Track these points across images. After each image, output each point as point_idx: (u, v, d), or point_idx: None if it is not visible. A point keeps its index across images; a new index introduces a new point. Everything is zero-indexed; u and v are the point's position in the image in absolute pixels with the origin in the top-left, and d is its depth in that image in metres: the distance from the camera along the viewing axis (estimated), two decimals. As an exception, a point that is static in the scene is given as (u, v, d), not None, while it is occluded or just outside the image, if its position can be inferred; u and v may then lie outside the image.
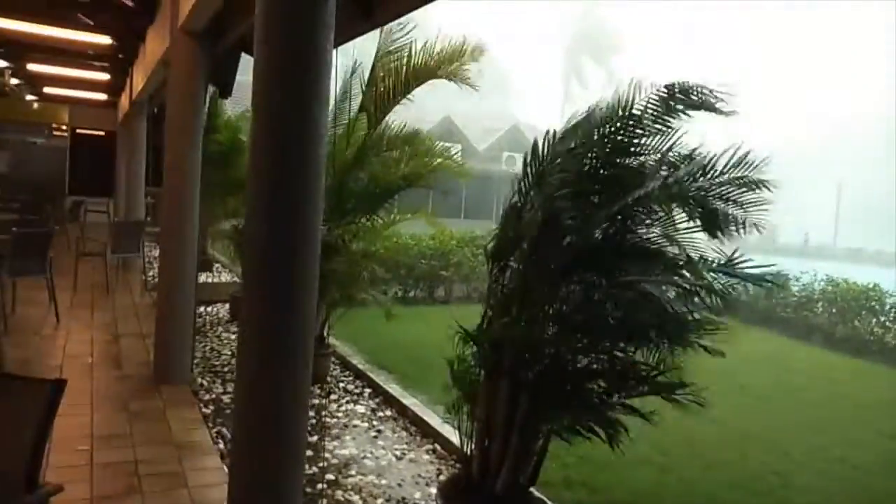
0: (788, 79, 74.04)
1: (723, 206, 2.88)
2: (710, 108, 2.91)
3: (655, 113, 2.94)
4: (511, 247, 3.15)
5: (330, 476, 3.92)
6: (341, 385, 5.67)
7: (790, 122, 70.09)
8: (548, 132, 3.29)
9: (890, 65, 65.97)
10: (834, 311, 9.79)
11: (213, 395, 5.06)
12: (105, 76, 11.89)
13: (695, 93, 2.90)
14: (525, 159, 3.29)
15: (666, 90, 2.91)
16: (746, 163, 2.82)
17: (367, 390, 5.59)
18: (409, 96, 5.68)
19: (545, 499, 3.24)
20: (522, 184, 3.25)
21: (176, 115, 5.15)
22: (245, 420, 2.41)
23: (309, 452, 4.22)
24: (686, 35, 78.53)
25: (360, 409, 5.14)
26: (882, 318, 9.32)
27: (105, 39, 8.62)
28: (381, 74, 5.57)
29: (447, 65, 5.47)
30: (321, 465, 4.08)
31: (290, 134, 2.32)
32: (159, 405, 4.60)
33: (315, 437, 4.49)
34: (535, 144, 3.25)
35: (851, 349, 9.02)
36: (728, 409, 6.16)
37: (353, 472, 4.00)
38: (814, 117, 69.97)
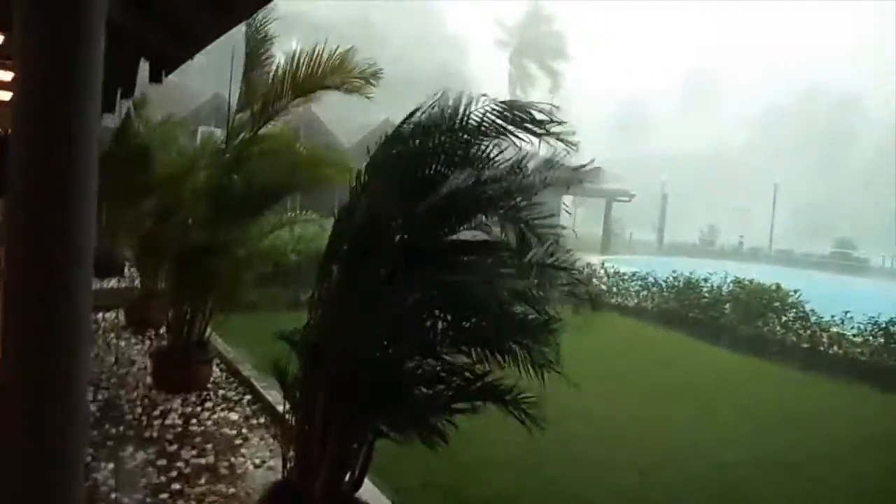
0: (733, 78, 75.98)
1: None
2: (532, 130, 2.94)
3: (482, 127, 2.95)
4: (338, 249, 3.13)
5: (176, 486, 3.84)
6: (221, 392, 5.56)
7: (733, 124, 72.07)
8: (385, 134, 3.28)
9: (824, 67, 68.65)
10: (740, 311, 10.08)
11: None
12: (10, 75, 11.49)
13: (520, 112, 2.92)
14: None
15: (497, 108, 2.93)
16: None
17: (248, 397, 5.49)
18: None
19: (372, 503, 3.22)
20: (357, 185, 3.24)
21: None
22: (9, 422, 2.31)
23: (162, 462, 4.14)
24: (632, 36, 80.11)
25: (234, 416, 5.05)
26: (783, 318, 9.63)
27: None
28: (265, 77, 5.53)
29: (336, 75, 5.41)
30: (172, 474, 3.99)
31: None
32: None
33: (175, 447, 4.39)
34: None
35: (754, 349, 9.27)
36: (614, 409, 6.28)
37: (202, 482, 3.92)
38: (757, 118, 72.19)
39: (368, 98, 5.66)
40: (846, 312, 9.19)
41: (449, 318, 3.07)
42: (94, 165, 2.33)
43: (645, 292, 12.23)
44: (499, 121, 2.89)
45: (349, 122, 24.22)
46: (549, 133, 2.89)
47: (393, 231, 3.02)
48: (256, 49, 5.43)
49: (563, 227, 2.92)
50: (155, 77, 6.16)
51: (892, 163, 60.15)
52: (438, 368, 3.08)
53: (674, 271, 11.72)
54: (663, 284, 11.85)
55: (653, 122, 77.53)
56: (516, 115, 2.87)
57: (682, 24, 79.39)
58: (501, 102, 2.93)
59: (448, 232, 3.05)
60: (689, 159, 65.66)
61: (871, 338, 8.73)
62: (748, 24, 78.70)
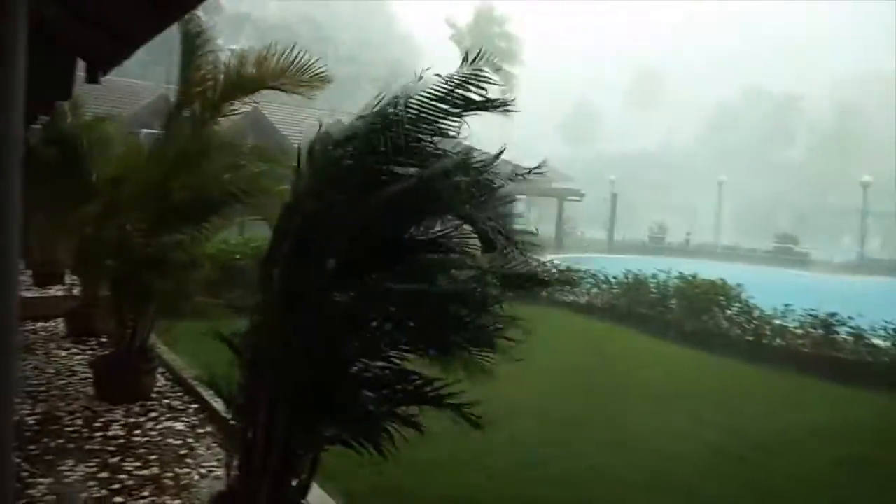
0: (682, 78, 78.10)
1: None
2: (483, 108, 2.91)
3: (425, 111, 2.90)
4: (279, 250, 3.07)
5: (119, 499, 3.72)
6: (166, 401, 5.41)
7: (681, 123, 74.01)
8: (323, 130, 3.23)
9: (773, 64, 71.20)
10: (686, 306, 10.32)
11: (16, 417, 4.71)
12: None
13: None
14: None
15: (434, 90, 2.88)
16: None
17: (194, 406, 5.36)
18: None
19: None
20: (297, 185, 3.18)
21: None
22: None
23: (104, 474, 4.01)
24: (584, 37, 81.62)
25: (179, 426, 4.92)
26: (728, 312, 9.90)
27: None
28: (205, 76, 5.42)
29: (282, 77, 5.38)
30: (114, 487, 3.87)
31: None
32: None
33: (117, 459, 4.26)
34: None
35: (700, 343, 9.50)
36: (564, 406, 6.35)
37: (146, 494, 3.81)
38: (704, 117, 74.32)
39: (311, 98, 5.65)
40: (787, 305, 9.49)
41: (395, 320, 3.07)
42: (16, 167, 2.22)
43: (595, 289, 12.41)
44: (438, 103, 2.84)
45: (300, 123, 23.98)
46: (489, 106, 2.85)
47: (337, 231, 2.98)
48: (192, 48, 5.31)
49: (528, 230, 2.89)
50: (91, 77, 5.98)
51: (829, 161, 62.68)
52: (387, 371, 3.06)
53: (627, 270, 11.92)
54: (613, 281, 12.05)
55: (604, 122, 79.10)
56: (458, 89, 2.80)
57: (632, 24, 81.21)
58: (441, 78, 2.81)
59: (394, 232, 3.03)
60: (639, 158, 67.18)
61: (811, 330, 9.02)
62: (694, 25, 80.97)
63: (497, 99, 2.89)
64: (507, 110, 2.91)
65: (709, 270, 12.54)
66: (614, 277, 12.06)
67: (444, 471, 4.60)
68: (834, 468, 5.25)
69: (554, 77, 75.75)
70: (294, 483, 3.00)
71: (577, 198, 32.62)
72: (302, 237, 2.95)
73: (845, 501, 4.73)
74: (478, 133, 3.20)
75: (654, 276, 11.30)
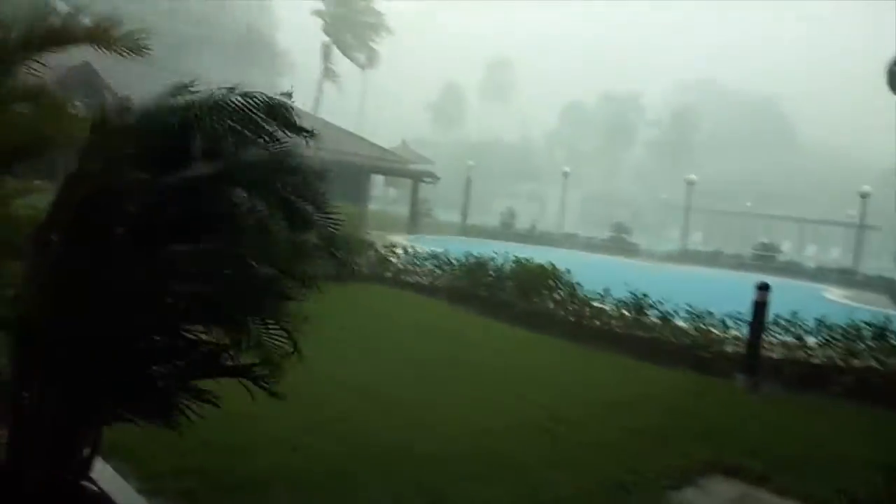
0: (542, 73, 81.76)
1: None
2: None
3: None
4: (61, 218, 2.88)
5: None
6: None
7: (537, 117, 77.60)
8: (123, 100, 3.10)
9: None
10: (519, 288, 10.87)
11: None
12: None
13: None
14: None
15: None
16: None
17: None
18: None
19: (106, 490, 3.04)
20: (90, 150, 3.01)
21: None
22: None
23: None
24: (449, 26, 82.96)
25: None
26: (555, 295, 10.56)
27: None
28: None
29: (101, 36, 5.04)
30: None
31: None
32: None
33: None
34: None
35: (529, 323, 10.02)
36: (388, 383, 6.49)
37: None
38: (559, 113, 78.42)
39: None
40: (606, 289, 10.28)
41: (188, 294, 3.00)
42: None
43: (439, 271, 12.73)
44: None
45: (140, 86, 22.39)
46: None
47: (126, 203, 2.85)
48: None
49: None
50: None
51: (662, 160, 68.53)
52: (181, 345, 2.98)
53: (471, 252, 12.32)
54: (455, 264, 12.42)
55: (468, 110, 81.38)
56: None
57: (499, 19, 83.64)
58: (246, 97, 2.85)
59: (191, 208, 2.95)
60: (497, 146, 69.76)
61: (625, 311, 9.82)
62: (556, 23, 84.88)
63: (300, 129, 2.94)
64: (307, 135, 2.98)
65: (548, 255, 13.28)
66: (456, 260, 12.43)
67: (256, 451, 4.54)
68: (626, 437, 5.77)
69: (420, 57, 76.49)
70: (74, 460, 2.85)
71: (432, 180, 33.14)
72: (87, 206, 2.79)
73: (632, 465, 5.19)
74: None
75: (492, 260, 11.78)
